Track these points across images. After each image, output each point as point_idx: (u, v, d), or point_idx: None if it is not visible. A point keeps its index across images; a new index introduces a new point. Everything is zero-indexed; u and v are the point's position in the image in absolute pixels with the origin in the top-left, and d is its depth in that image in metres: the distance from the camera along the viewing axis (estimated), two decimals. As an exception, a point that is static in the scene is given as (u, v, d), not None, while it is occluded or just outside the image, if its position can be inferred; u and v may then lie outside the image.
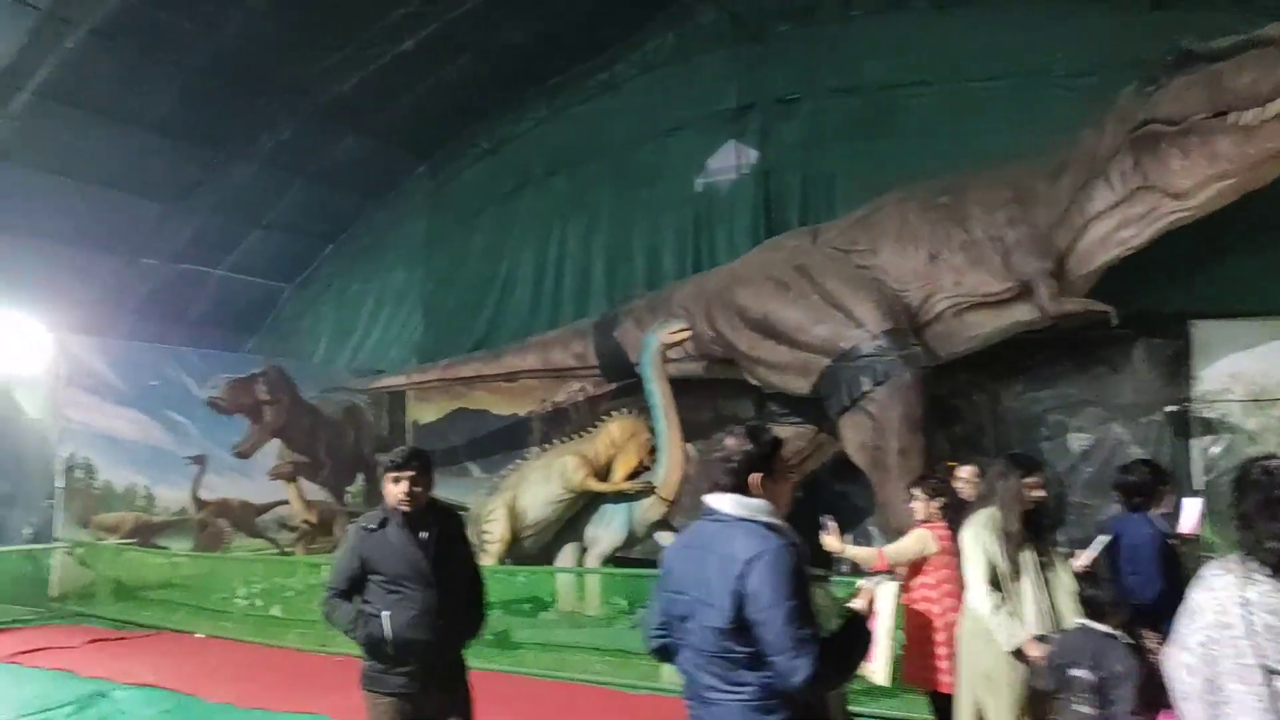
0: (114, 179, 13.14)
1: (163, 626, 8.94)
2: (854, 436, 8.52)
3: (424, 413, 14.64)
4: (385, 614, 3.44)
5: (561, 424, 12.19)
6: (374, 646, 3.48)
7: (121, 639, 8.45)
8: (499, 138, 14.86)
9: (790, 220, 11.31)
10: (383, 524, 3.57)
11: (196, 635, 8.66)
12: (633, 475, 9.36)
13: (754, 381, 9.75)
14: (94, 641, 8.24)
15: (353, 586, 3.58)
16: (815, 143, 11.56)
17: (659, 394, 9.24)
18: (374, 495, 14.32)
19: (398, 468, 3.57)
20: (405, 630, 3.43)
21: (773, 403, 9.99)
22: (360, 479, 14.22)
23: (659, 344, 9.27)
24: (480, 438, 13.78)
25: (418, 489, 3.55)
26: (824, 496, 9.60)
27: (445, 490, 13.87)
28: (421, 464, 3.60)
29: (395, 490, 3.55)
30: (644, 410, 9.59)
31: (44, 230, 12.95)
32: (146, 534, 11.06)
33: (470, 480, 13.02)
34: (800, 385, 9.03)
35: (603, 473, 9.49)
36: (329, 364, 15.40)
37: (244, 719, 5.91)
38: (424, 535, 3.55)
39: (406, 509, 3.54)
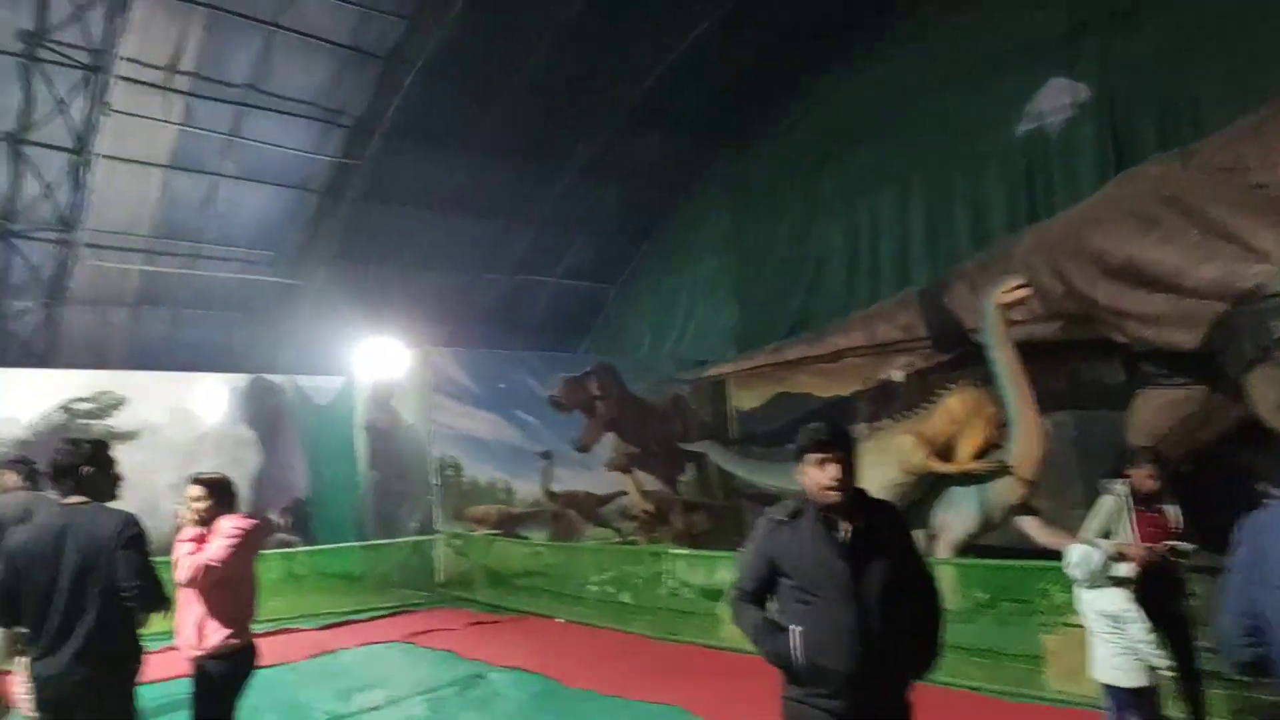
0: (457, 204, 14.59)
1: (529, 611, 9.65)
2: (1269, 395, 6.98)
3: (746, 399, 14.59)
4: (795, 629, 2.76)
5: (890, 402, 11.48)
6: (784, 666, 2.81)
7: (495, 622, 9.24)
8: (797, 115, 14.42)
9: (1144, 149, 9.71)
10: (795, 515, 2.87)
11: (558, 620, 9.21)
12: (981, 454, 8.44)
13: (1121, 339, 8.41)
14: (473, 624, 9.09)
15: (762, 588, 2.92)
16: (1170, 56, 9.83)
17: (1004, 362, 8.24)
18: (705, 483, 14.56)
19: (821, 446, 2.81)
20: (819, 652, 2.72)
21: (1147, 362, 8.55)
22: (691, 467, 14.53)
23: (996, 306, 8.27)
24: (805, 421, 13.44)
25: (847, 474, 2.80)
26: (1222, 470, 8.02)
27: (771, 478, 13.80)
28: (848, 443, 2.86)
29: (819, 476, 2.80)
30: (987, 381, 8.64)
31: (403, 258, 14.71)
32: (510, 525, 12.12)
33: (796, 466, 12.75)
34: (1185, 339, 7.60)
35: (944, 452, 8.69)
36: (652, 357, 15.91)
37: (604, 706, 6.07)
38: (843, 533, 2.79)
39: (834, 499, 2.80)
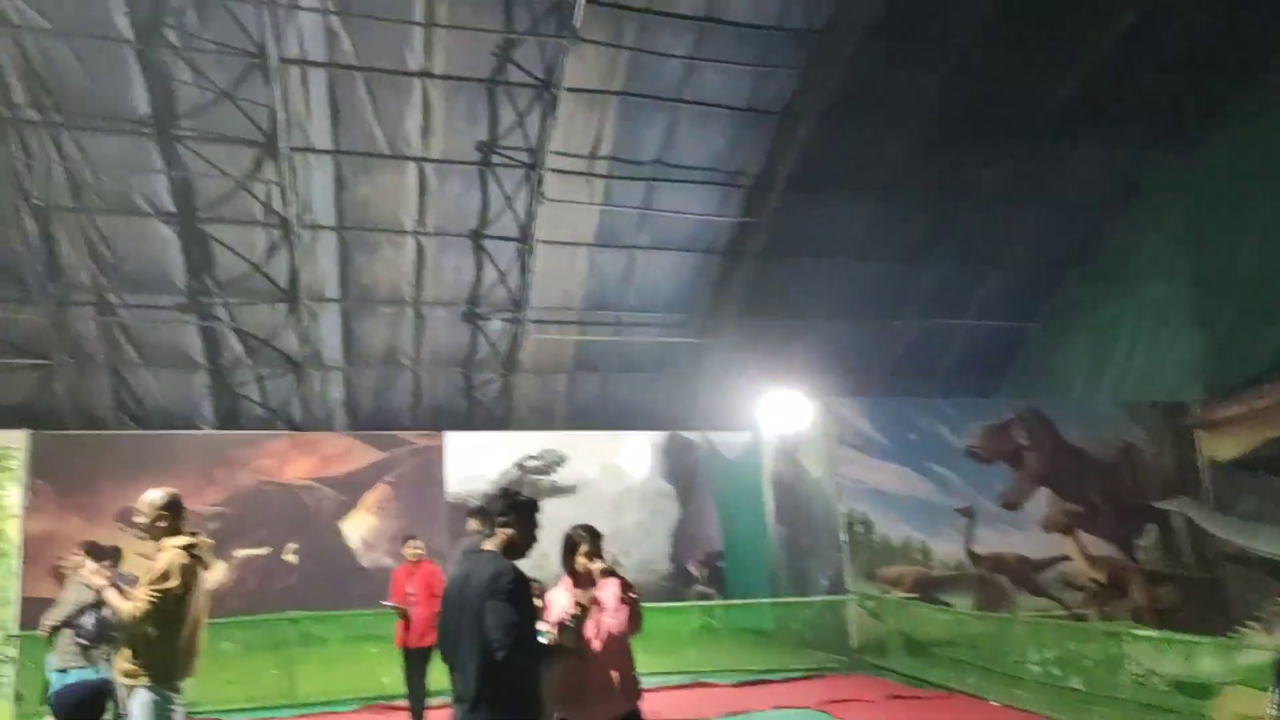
0: (859, 250, 14.17)
1: (954, 688, 8.61)
2: None
3: (1223, 447, 11.98)
4: None
5: None
6: None
7: (918, 698, 8.37)
8: (1268, 92, 11.77)
9: None
10: None
11: (990, 702, 8.08)
12: None
13: None
14: (892, 697, 8.31)
15: None
16: None
17: None
18: (1171, 548, 12.13)
19: None
20: None
21: None
22: (1153, 530, 12.17)
23: None
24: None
25: None
26: None
27: (1272, 544, 11.03)
28: None
29: None
30: None
31: (806, 310, 14.60)
32: (927, 588, 11.11)
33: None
34: None
35: None
36: (1088, 400, 13.84)
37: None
38: None
39: None
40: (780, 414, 12.82)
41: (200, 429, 13.31)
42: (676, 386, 15.46)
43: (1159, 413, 12.66)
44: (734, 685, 8.86)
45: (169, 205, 11.85)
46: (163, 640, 4.20)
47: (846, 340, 15.14)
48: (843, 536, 11.15)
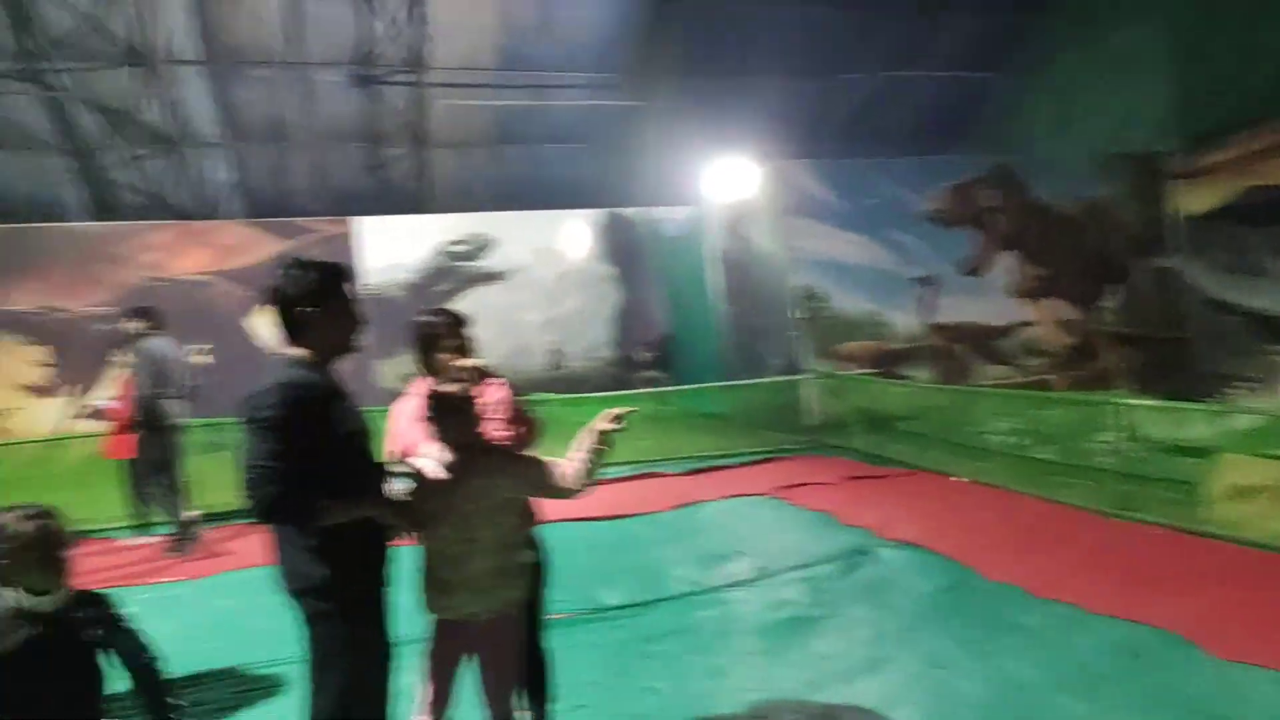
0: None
1: (918, 465, 8.12)
2: None
3: (1196, 199, 11.22)
4: None
5: None
6: None
7: (877, 477, 7.85)
8: None
9: None
10: None
11: (955, 479, 7.59)
12: None
13: None
14: (851, 478, 7.77)
15: None
16: None
17: None
18: (1137, 309, 11.65)
19: None
20: None
21: None
22: (1119, 291, 11.59)
23: None
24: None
25: None
26: None
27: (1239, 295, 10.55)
28: None
29: None
30: None
31: (751, 65, 13.03)
32: (887, 362, 10.52)
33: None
34: None
35: None
36: (1056, 155, 12.82)
37: (1047, 615, 4.43)
38: None
39: None
40: (725, 184, 11.60)
41: (67, 221, 11.61)
42: (612, 158, 14.04)
43: (1131, 165, 11.75)
44: (686, 474, 8.26)
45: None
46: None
47: (796, 99, 13.69)
48: (796, 313, 10.34)
